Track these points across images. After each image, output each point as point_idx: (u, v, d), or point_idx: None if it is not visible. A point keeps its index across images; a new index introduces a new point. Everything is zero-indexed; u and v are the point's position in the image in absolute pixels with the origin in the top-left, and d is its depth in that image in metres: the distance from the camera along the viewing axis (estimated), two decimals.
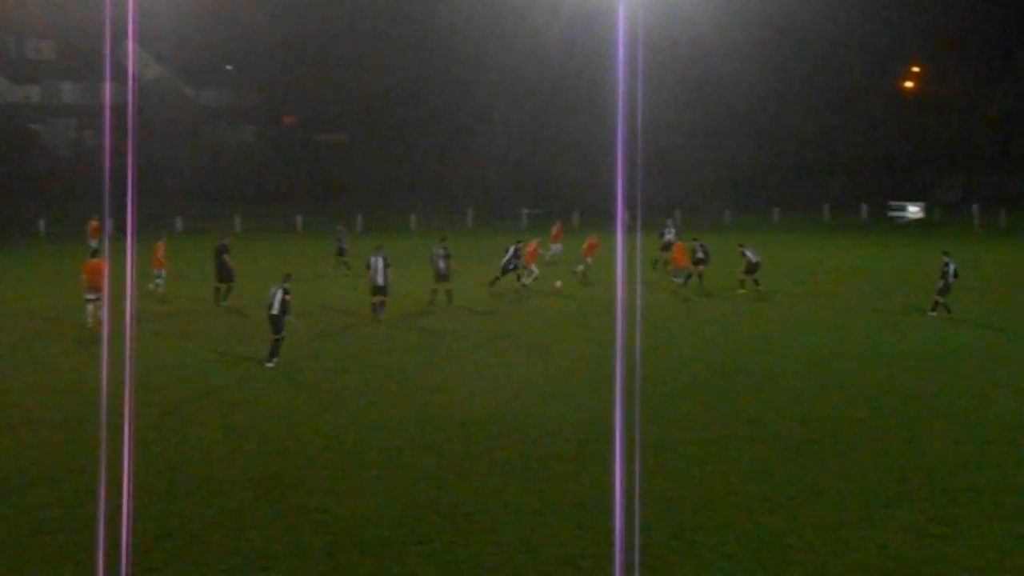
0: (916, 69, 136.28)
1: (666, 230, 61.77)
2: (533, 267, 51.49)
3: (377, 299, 42.56)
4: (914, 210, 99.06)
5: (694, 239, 53.72)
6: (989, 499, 21.91)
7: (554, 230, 63.70)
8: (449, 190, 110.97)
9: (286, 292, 34.32)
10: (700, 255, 51.69)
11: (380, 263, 42.47)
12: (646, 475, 22.36)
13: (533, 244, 53.04)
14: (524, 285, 50.24)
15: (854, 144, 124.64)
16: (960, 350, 37.59)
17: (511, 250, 50.27)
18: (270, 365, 33.62)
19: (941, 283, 44.19)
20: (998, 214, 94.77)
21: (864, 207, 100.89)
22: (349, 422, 27.49)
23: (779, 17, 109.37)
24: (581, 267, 54.30)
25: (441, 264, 46.49)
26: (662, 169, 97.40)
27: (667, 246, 58.76)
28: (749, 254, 49.69)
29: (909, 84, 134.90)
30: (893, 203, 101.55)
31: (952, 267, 44.05)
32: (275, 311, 34.13)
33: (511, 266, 49.91)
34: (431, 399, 29.99)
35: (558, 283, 51.71)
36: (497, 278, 50.02)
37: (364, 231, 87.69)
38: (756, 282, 49.63)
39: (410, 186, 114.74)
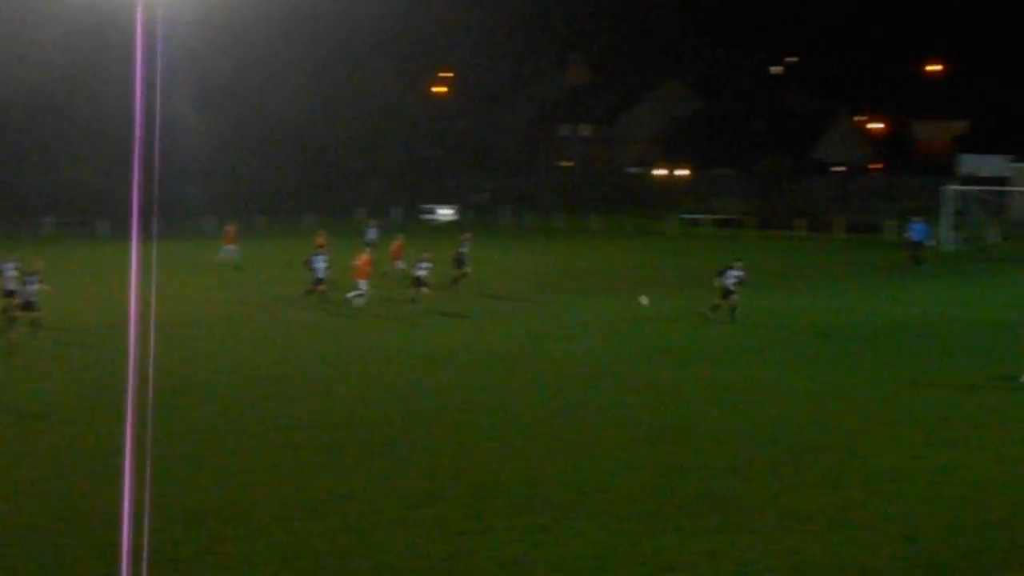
0: (447, 75, 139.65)
1: (368, 229, 62.43)
2: (361, 283, 48.15)
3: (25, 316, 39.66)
4: (446, 212, 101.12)
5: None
6: (516, 493, 22.37)
7: (229, 230, 62.57)
8: None
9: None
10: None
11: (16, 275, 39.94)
12: (175, 489, 21.75)
13: (364, 258, 49.25)
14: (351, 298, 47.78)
15: (388, 148, 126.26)
16: (489, 349, 38.49)
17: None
18: None
19: (720, 284, 43.97)
20: (526, 215, 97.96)
21: (398, 210, 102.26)
22: None
23: (313, 21, 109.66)
24: (396, 268, 53.52)
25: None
26: (196, 175, 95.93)
27: (369, 244, 59.31)
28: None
29: (441, 89, 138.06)
30: (425, 206, 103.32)
31: (735, 273, 43.63)
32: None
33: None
34: None
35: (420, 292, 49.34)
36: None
37: None
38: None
39: None
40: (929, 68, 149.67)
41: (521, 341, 40.17)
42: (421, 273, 47.48)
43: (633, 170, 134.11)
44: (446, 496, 22.18)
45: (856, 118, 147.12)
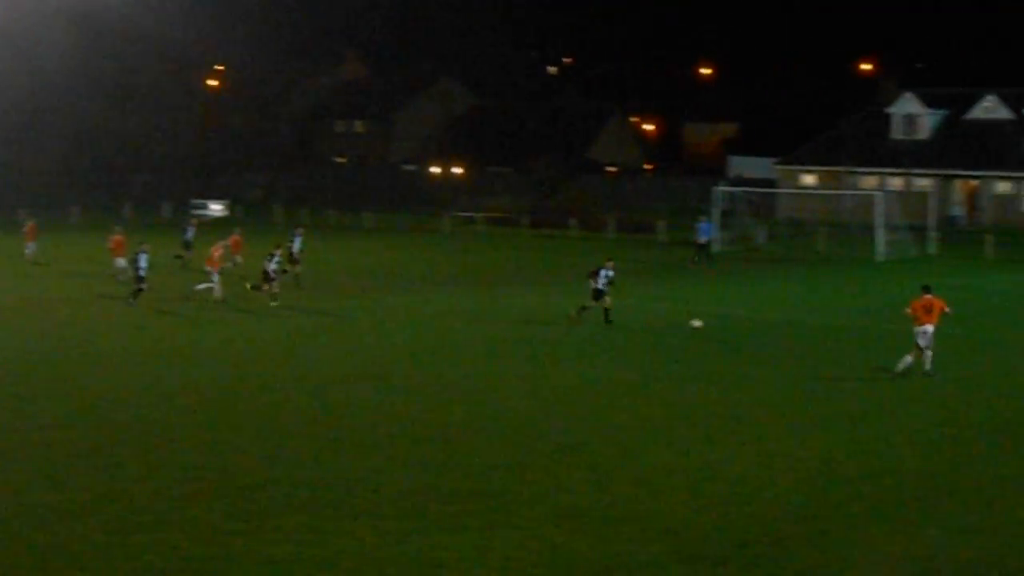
0: (220, 68, 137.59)
1: (187, 228, 61.56)
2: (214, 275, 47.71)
3: None
4: (217, 208, 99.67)
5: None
6: (284, 493, 22.05)
7: (29, 226, 61.11)
8: None
9: None
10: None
11: None
12: None
13: (218, 249, 49.03)
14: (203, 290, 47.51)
15: (157, 142, 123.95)
16: (259, 346, 37.99)
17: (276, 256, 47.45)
18: None
19: (591, 286, 42.99)
20: (300, 211, 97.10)
21: (167, 205, 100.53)
22: None
23: (78, 9, 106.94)
24: (230, 264, 51.70)
25: None
26: None
27: (187, 244, 59.32)
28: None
29: (214, 83, 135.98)
30: (196, 201, 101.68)
31: (607, 273, 42.74)
32: None
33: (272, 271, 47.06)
34: None
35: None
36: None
37: None
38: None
39: None
40: (701, 71, 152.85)
41: (291, 339, 39.73)
42: (272, 267, 47.14)
43: (409, 167, 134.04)
44: (212, 496, 21.74)
45: (630, 119, 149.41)
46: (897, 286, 57.52)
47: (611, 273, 43.26)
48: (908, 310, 34.51)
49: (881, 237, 71.89)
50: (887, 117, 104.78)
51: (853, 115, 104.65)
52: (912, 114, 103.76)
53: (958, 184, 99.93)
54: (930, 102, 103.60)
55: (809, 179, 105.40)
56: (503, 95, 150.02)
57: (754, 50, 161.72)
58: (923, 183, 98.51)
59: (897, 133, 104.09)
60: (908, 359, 33.66)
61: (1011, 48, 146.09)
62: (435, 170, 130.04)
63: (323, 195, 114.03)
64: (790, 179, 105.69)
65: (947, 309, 34.25)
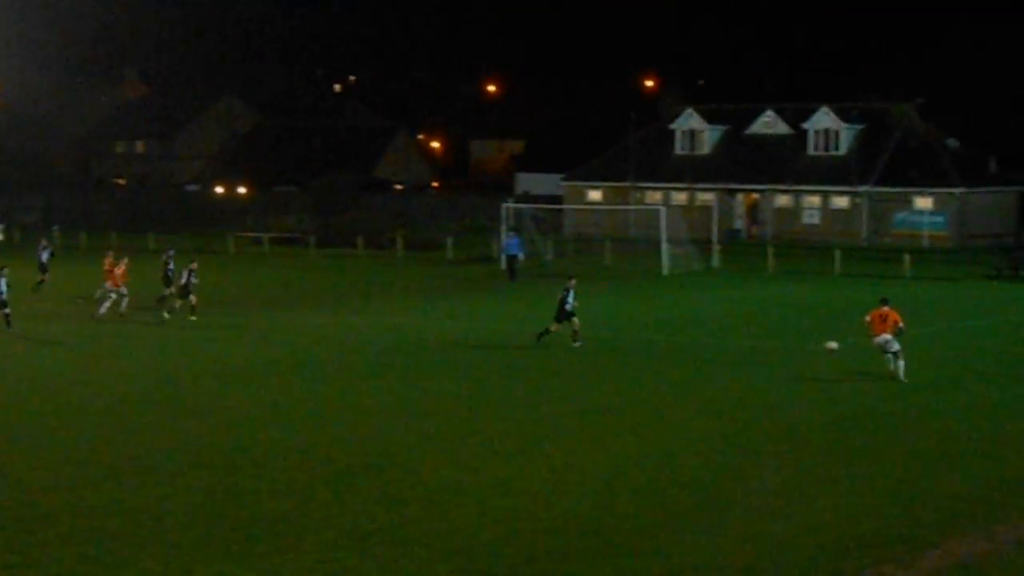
0: None
1: (41, 251, 59.36)
2: (121, 289, 48.08)
3: None
4: None
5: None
6: (63, 523, 21.41)
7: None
8: None
9: None
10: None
11: None
12: None
13: (122, 266, 48.90)
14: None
15: None
16: (38, 373, 36.93)
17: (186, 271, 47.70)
18: None
19: (561, 310, 41.64)
20: (79, 235, 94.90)
21: None
22: None
23: None
24: (114, 296, 48.91)
25: None
26: None
27: (43, 267, 57.71)
28: None
29: None
30: None
31: (571, 293, 41.57)
32: None
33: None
34: None
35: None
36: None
37: None
38: None
39: None
40: (487, 88, 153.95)
41: (69, 364, 38.69)
42: (194, 280, 47.70)
43: (192, 187, 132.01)
44: None
45: (417, 137, 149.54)
46: (683, 299, 58.51)
47: (574, 291, 42.13)
48: (867, 318, 35.37)
49: (666, 251, 72.90)
50: (670, 133, 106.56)
51: (637, 131, 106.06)
52: (694, 129, 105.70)
53: (740, 197, 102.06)
54: (711, 118, 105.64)
55: (595, 195, 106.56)
56: (287, 113, 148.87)
57: (539, 66, 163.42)
58: (706, 197, 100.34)
59: (680, 148, 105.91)
60: (901, 364, 34.69)
61: (789, 64, 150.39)
62: (219, 190, 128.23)
63: (103, 217, 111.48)
64: (576, 195, 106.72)
65: (901, 324, 34.96)
